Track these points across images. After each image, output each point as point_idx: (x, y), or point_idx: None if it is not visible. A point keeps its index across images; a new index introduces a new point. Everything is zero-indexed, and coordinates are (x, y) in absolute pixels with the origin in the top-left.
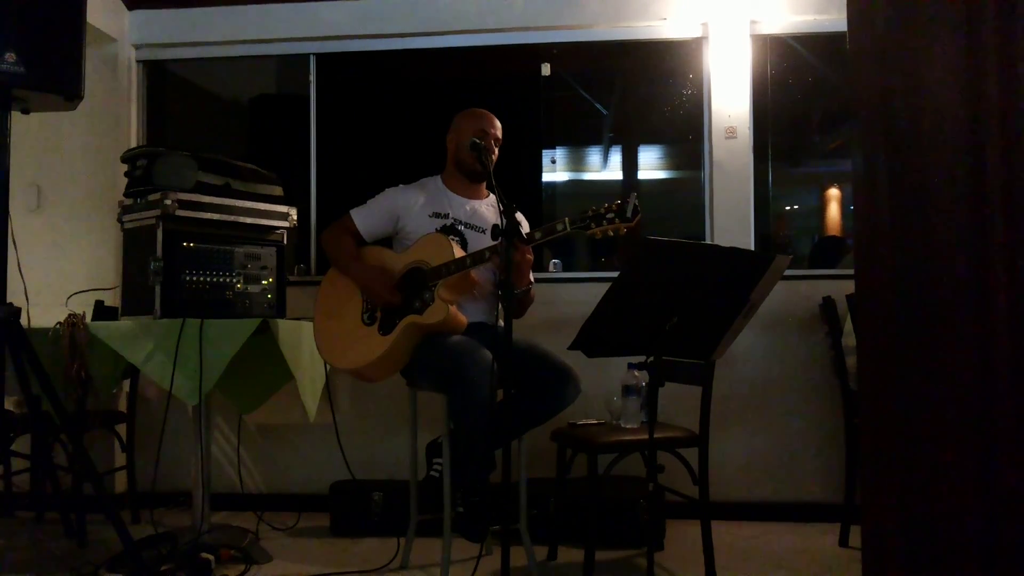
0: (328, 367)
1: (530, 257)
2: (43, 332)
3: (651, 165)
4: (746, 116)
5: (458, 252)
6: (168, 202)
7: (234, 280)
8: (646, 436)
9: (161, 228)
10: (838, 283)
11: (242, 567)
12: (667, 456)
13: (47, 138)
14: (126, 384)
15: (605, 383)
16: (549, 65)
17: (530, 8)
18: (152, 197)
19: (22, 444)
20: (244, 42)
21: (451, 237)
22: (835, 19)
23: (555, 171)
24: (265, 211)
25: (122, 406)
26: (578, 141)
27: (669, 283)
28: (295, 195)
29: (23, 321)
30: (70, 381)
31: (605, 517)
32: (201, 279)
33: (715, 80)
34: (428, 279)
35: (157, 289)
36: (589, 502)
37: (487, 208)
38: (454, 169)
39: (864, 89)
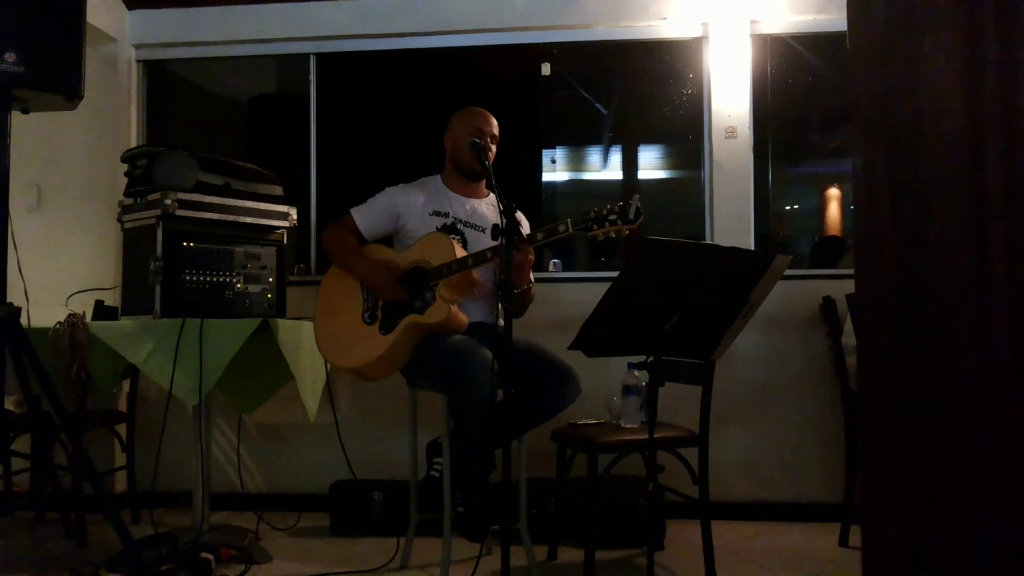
0: (328, 366)
1: (531, 257)
2: (43, 332)
3: (651, 165)
4: (746, 116)
5: (459, 252)
6: (168, 202)
7: (234, 280)
8: (646, 436)
9: (161, 228)
10: (838, 283)
11: (242, 567)
12: (667, 456)
13: (47, 138)
14: (126, 384)
15: (605, 383)
16: (549, 65)
17: (530, 8)
18: (152, 197)
19: (22, 444)
20: (244, 42)
21: (452, 236)
22: (835, 19)
23: (555, 171)
24: (265, 211)
25: (122, 406)
26: (578, 141)
27: (669, 283)
28: (295, 195)
29: (23, 321)
30: (70, 381)
31: (605, 517)
32: (201, 279)
33: (715, 80)
34: (429, 279)
35: (157, 289)
36: (589, 502)
37: (487, 207)
38: (452, 169)
39: (864, 89)
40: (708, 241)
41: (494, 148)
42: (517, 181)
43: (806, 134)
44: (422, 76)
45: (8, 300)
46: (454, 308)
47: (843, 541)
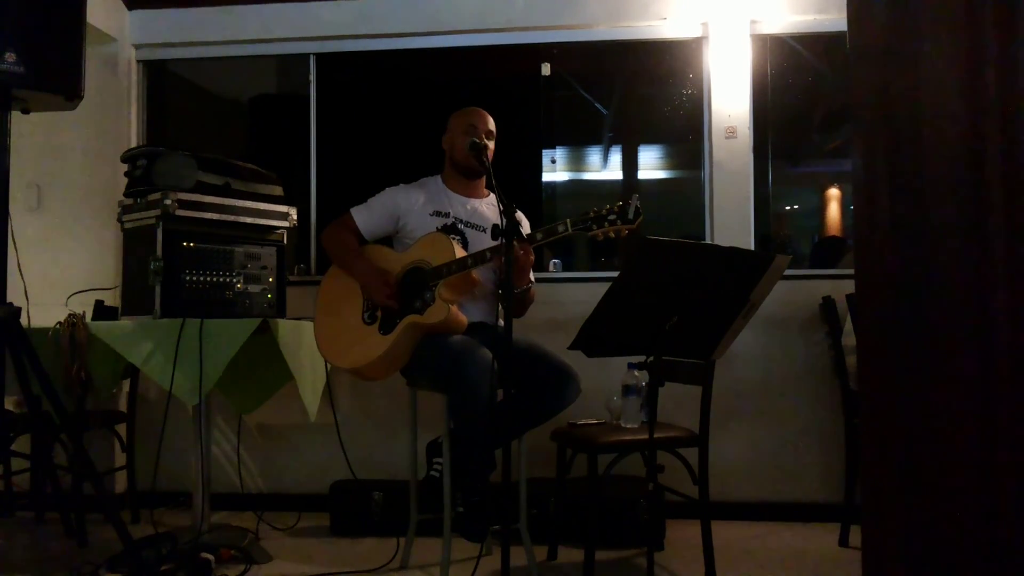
0: (328, 366)
1: (531, 257)
2: (43, 332)
3: (651, 165)
4: (746, 116)
5: (459, 252)
6: (168, 202)
7: (234, 280)
8: (646, 436)
9: (161, 228)
10: (838, 283)
11: (242, 567)
12: (667, 456)
13: (47, 138)
14: (126, 384)
15: (605, 383)
16: (549, 65)
17: (530, 8)
18: (152, 197)
19: (22, 444)
20: (244, 42)
21: (452, 236)
22: (835, 19)
23: (555, 171)
24: (265, 211)
25: (122, 406)
26: (578, 141)
27: (669, 283)
28: (295, 195)
29: (23, 321)
30: (70, 381)
31: (605, 517)
32: (201, 279)
33: (715, 80)
34: (429, 279)
35: (157, 289)
36: (589, 502)
37: (487, 207)
38: (452, 169)
39: (864, 89)
40: (708, 241)
41: (491, 144)
42: (517, 181)
43: (806, 134)
44: (422, 76)
45: (8, 300)
46: (454, 308)
47: (843, 541)
